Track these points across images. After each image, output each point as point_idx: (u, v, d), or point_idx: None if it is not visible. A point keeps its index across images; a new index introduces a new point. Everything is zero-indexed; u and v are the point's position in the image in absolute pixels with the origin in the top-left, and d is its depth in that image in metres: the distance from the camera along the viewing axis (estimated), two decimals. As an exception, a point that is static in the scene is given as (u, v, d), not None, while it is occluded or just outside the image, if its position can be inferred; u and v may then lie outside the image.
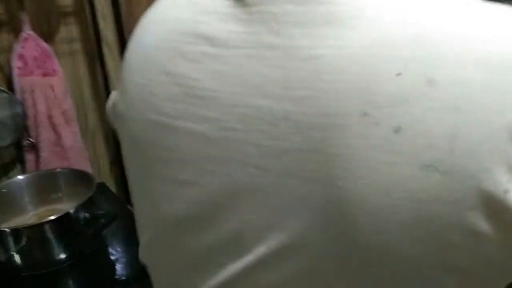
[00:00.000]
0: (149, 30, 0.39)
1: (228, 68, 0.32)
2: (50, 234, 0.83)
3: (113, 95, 0.50)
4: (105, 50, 1.12)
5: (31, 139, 1.03)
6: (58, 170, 1.00)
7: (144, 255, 0.45)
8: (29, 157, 1.05)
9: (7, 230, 0.82)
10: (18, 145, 1.06)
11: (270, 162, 0.30)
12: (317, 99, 0.28)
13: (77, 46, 1.11)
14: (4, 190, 0.95)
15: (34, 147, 1.05)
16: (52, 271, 0.85)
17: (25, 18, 0.98)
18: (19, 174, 1.09)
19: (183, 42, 0.34)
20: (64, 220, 0.83)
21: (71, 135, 1.07)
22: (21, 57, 0.98)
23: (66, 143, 1.06)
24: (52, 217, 0.83)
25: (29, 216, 0.97)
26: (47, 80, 1.02)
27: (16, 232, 0.82)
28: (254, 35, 0.31)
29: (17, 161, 1.09)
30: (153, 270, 0.45)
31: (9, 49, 1.00)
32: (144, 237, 0.44)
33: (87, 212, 0.85)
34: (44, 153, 1.04)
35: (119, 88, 0.43)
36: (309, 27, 0.29)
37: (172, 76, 0.34)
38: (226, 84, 0.32)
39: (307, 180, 0.29)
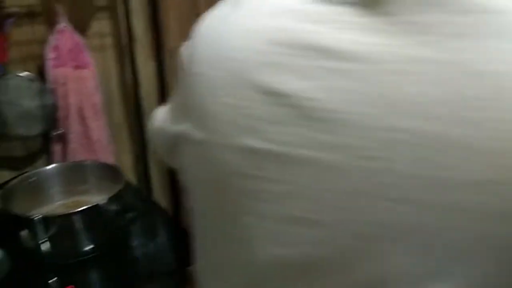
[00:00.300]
0: (233, 40, 0.33)
1: (362, 85, 0.27)
2: (79, 225, 0.84)
3: (160, 114, 0.44)
4: (136, 46, 1.13)
5: (60, 130, 1.03)
6: (87, 162, 1.00)
7: None
8: (57, 148, 1.06)
9: (38, 217, 0.82)
10: (45, 136, 1.07)
11: (433, 196, 0.25)
12: (502, 122, 0.24)
13: (108, 40, 1.12)
14: (33, 179, 0.95)
15: (62, 138, 1.05)
16: (78, 262, 0.86)
17: (61, 10, 0.99)
18: (45, 165, 1.10)
19: (288, 54, 0.29)
20: (94, 211, 0.84)
21: (98, 129, 1.08)
22: (56, 48, 0.99)
23: (93, 136, 1.07)
24: (83, 208, 0.83)
25: (55, 206, 0.97)
26: (79, 73, 1.03)
27: (46, 220, 0.82)
28: (400, 48, 0.26)
29: (43, 152, 1.10)
30: None
31: (43, 41, 1.01)
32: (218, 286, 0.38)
33: (117, 205, 0.86)
34: (72, 145, 1.04)
35: (183, 107, 0.37)
36: (475, 38, 0.25)
37: (276, 96, 0.29)
38: (360, 104, 0.27)
39: (488, 217, 0.24)
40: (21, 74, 0.97)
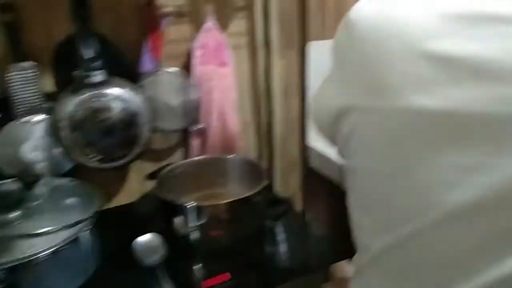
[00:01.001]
0: (404, 16, 0.38)
1: None
2: (229, 215, 0.87)
3: (320, 91, 0.51)
4: (270, 48, 1.15)
5: (201, 125, 1.08)
6: (228, 156, 1.04)
7: (390, 254, 0.43)
8: (195, 142, 1.11)
9: (191, 206, 0.86)
10: (184, 130, 1.12)
11: None
12: None
13: (243, 39, 1.16)
14: (179, 170, 1.00)
15: (201, 133, 1.10)
16: (224, 251, 0.88)
17: (209, 10, 1.04)
18: (182, 158, 1.16)
19: (463, 24, 0.33)
20: (243, 203, 0.86)
21: (234, 125, 1.11)
22: (202, 47, 1.03)
23: (229, 132, 1.10)
24: (234, 199, 0.86)
25: (194, 198, 1.02)
26: (221, 70, 1.06)
27: (199, 209, 0.86)
28: None
29: (180, 146, 1.15)
30: (405, 266, 0.42)
31: (189, 39, 1.06)
32: (390, 233, 0.42)
33: (264, 199, 0.88)
34: (211, 140, 1.08)
35: (351, 80, 0.42)
36: None
37: (450, 60, 0.33)
38: None
39: None
40: (170, 70, 1.02)
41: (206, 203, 0.86)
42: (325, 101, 0.49)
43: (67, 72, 0.92)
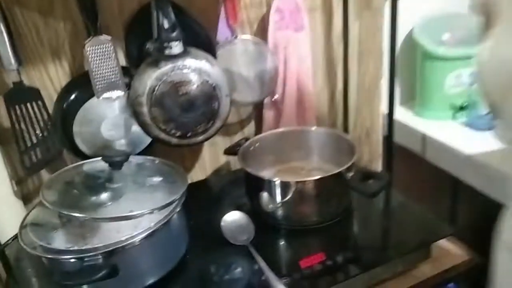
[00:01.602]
0: None
1: None
2: (319, 191, 0.81)
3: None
4: (347, 8, 1.07)
5: (276, 96, 1.02)
6: (311, 128, 0.98)
7: None
8: (269, 114, 1.05)
9: (277, 181, 0.81)
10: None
11: None
12: None
13: (318, 1, 1.07)
14: (257, 144, 0.95)
15: (275, 105, 1.04)
16: (311, 228, 0.84)
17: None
18: (255, 131, 1.11)
19: None
20: (336, 178, 0.80)
21: (310, 96, 1.04)
22: (279, 10, 0.96)
23: (306, 102, 1.04)
24: (323, 175, 0.81)
25: (274, 171, 0.97)
26: (298, 36, 0.99)
27: (287, 185, 0.81)
28: None
29: (251, 118, 1.10)
30: None
31: (264, 3, 0.99)
32: None
33: (356, 175, 0.82)
34: (287, 111, 1.02)
35: None
36: None
37: None
38: None
39: None
40: (246, 38, 0.96)
41: (297, 179, 0.81)
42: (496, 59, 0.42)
43: (139, 45, 0.88)
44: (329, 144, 0.94)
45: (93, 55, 0.79)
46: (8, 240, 0.81)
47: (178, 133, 0.85)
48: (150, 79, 0.81)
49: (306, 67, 1.02)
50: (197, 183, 1.05)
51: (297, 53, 1.00)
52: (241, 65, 0.95)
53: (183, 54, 0.82)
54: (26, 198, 0.91)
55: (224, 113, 0.88)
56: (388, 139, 1.00)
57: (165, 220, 0.68)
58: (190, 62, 0.83)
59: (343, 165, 0.82)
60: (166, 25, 0.80)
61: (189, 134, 0.86)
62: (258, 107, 1.07)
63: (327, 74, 1.14)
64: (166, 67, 0.81)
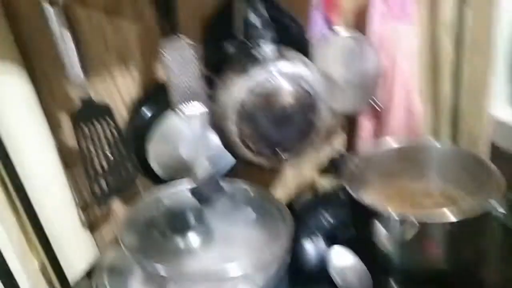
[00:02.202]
0: None
1: None
2: (453, 235, 0.64)
3: None
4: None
5: (378, 103, 0.85)
6: (430, 143, 0.81)
7: None
8: (367, 124, 0.88)
9: (404, 218, 0.64)
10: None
11: None
12: None
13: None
14: (360, 161, 0.79)
15: (376, 113, 0.87)
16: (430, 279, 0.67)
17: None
18: (346, 145, 0.94)
19: None
20: (478, 220, 0.63)
21: (418, 101, 0.86)
22: (385, 1, 0.79)
23: (415, 109, 0.86)
24: (464, 217, 0.63)
25: (384, 197, 0.80)
26: (405, 29, 0.82)
27: (409, 222, 0.64)
28: None
29: (341, 128, 0.94)
30: None
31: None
32: None
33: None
34: (393, 121, 0.85)
35: None
36: None
37: None
38: None
39: None
40: (344, 34, 0.79)
41: (430, 219, 0.64)
42: None
43: (219, 48, 0.74)
44: (456, 165, 0.76)
45: (172, 61, 0.65)
46: (77, 280, 0.70)
47: (270, 153, 0.71)
48: (240, 90, 0.66)
49: (414, 67, 0.85)
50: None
51: (405, 50, 0.82)
52: (339, 66, 0.79)
53: (277, 57, 0.67)
54: (92, 226, 0.80)
55: (323, 128, 0.72)
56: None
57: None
58: (285, 67, 0.67)
59: (474, 190, 0.64)
60: (256, 22, 0.65)
61: (282, 154, 0.71)
62: (354, 115, 0.91)
63: (431, 72, 0.96)
64: (258, 76, 0.66)
